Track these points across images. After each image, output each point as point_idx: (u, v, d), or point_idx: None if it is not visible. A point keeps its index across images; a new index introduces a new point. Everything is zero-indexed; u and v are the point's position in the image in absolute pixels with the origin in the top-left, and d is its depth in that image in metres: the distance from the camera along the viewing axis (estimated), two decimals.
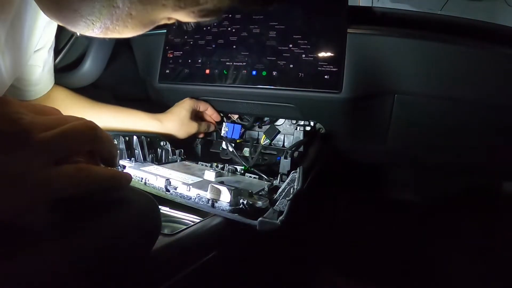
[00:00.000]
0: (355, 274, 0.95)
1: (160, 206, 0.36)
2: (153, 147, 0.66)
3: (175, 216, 0.54)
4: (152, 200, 0.33)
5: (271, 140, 0.76)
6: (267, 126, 0.80)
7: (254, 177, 0.64)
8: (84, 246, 0.26)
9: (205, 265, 0.43)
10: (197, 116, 0.76)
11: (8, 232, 0.22)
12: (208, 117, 0.79)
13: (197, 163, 0.69)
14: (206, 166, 0.68)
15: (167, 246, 0.39)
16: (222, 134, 0.79)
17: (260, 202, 0.47)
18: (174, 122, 0.71)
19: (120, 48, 0.83)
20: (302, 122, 0.77)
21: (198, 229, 0.45)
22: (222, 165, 0.68)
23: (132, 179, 0.51)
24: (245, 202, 0.45)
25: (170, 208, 0.54)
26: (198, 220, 0.49)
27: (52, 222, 0.26)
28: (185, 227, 0.45)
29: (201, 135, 0.80)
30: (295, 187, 0.51)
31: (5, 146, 0.21)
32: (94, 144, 0.26)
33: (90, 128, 0.25)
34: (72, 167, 0.24)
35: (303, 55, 0.62)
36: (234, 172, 0.66)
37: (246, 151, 0.79)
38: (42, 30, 0.53)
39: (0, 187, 0.21)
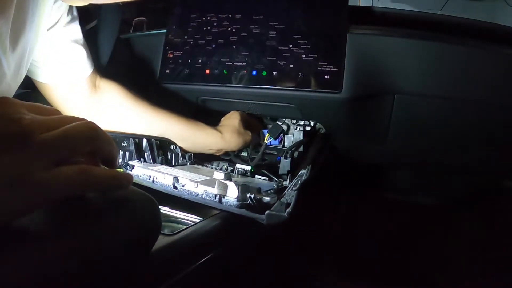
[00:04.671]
0: (355, 274, 0.95)
1: (160, 206, 0.36)
2: (163, 150, 0.65)
3: (175, 216, 0.54)
4: (152, 200, 0.33)
5: (276, 138, 0.76)
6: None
7: (264, 179, 0.64)
8: (83, 246, 0.26)
9: (205, 265, 0.43)
10: (248, 127, 0.74)
11: (7, 233, 0.22)
12: (256, 128, 0.77)
13: (207, 166, 0.69)
14: (215, 168, 0.68)
15: (167, 246, 0.39)
16: (266, 142, 0.77)
17: (268, 198, 0.46)
18: (233, 133, 0.70)
19: (120, 48, 0.83)
20: (302, 122, 0.77)
21: (198, 229, 0.45)
22: (232, 168, 0.68)
23: (138, 178, 0.52)
24: (252, 196, 0.45)
25: (170, 208, 0.54)
26: (198, 220, 0.49)
27: (52, 222, 0.26)
28: (185, 227, 0.45)
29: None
30: (303, 179, 0.51)
31: (5, 147, 0.21)
32: (95, 144, 0.26)
33: (91, 129, 0.25)
34: (72, 168, 0.23)
35: (303, 55, 0.62)
36: (244, 174, 0.66)
37: (246, 151, 0.78)
38: (51, 7, 0.51)
39: (0, 188, 0.21)
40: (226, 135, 0.69)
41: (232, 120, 0.72)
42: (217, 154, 0.74)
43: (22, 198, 0.21)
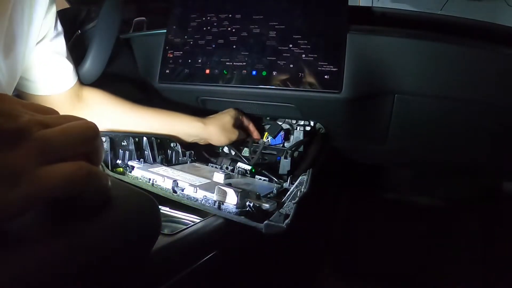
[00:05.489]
0: (355, 274, 0.95)
1: (160, 206, 0.36)
2: (163, 149, 0.65)
3: (175, 216, 0.54)
4: (152, 200, 0.33)
5: (275, 137, 0.76)
6: (267, 126, 0.80)
7: (264, 179, 0.64)
8: (83, 246, 0.26)
9: (205, 265, 0.43)
10: (239, 126, 0.76)
11: (5, 233, 0.22)
12: (249, 132, 0.78)
13: (207, 165, 0.69)
14: (216, 167, 0.67)
15: (167, 246, 0.39)
16: (265, 141, 0.77)
17: (267, 205, 0.46)
18: (217, 126, 0.71)
19: (120, 48, 0.83)
20: (302, 122, 0.77)
21: (198, 229, 0.45)
22: (232, 167, 0.67)
23: (137, 181, 0.52)
24: (251, 204, 0.45)
25: (170, 208, 0.54)
26: (198, 220, 0.49)
27: (51, 222, 0.26)
28: (185, 227, 0.45)
29: None
30: (303, 190, 0.51)
31: (1, 144, 0.20)
32: (93, 145, 0.25)
33: (91, 129, 0.25)
34: (72, 165, 0.23)
35: (303, 55, 0.62)
36: (244, 174, 0.66)
37: (246, 151, 0.79)
38: (42, 20, 0.53)
39: None
40: (210, 127, 0.70)
41: (223, 114, 0.73)
42: (201, 143, 0.74)
43: (20, 196, 0.21)
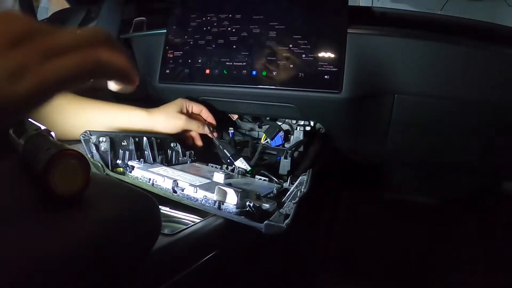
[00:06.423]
0: (355, 275, 0.95)
1: (160, 206, 0.36)
2: (163, 148, 0.65)
3: (175, 216, 0.54)
4: (152, 200, 0.33)
5: (272, 139, 0.76)
6: (266, 126, 0.80)
7: (264, 180, 0.64)
8: (84, 246, 0.26)
9: (205, 265, 0.43)
10: (188, 114, 0.74)
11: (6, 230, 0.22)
12: (202, 119, 0.76)
13: (207, 165, 0.69)
14: (216, 167, 0.67)
15: (167, 246, 0.39)
16: (263, 142, 0.77)
17: (267, 205, 0.46)
18: (162, 114, 0.70)
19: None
20: (302, 122, 0.77)
21: (198, 229, 0.45)
22: (232, 167, 0.68)
23: (137, 181, 0.52)
24: (251, 204, 0.45)
25: (170, 208, 0.54)
26: (199, 220, 0.49)
27: (52, 221, 0.26)
28: (185, 227, 0.45)
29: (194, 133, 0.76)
30: (303, 190, 0.51)
31: (10, 42, 0.21)
32: (105, 46, 0.25)
33: (101, 31, 0.25)
34: (78, 53, 0.23)
35: (303, 55, 0.62)
36: (244, 174, 0.66)
37: (246, 151, 0.78)
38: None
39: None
40: (154, 115, 0.69)
41: (169, 104, 0.72)
42: (150, 131, 0.71)
43: (26, 87, 0.20)
